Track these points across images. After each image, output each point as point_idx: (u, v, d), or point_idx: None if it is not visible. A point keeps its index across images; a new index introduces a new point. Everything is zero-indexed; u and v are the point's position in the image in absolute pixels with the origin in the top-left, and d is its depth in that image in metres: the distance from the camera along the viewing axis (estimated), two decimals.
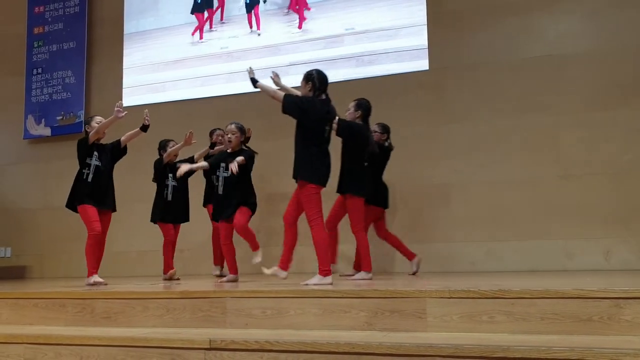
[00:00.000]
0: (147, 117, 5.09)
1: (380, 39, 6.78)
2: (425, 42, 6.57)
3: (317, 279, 4.03)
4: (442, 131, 6.37)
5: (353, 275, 4.92)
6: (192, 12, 7.82)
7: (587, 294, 2.82)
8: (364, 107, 4.84)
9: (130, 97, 7.74)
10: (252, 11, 7.52)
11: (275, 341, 2.85)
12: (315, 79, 4.25)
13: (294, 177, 4.25)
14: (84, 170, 4.98)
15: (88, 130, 5.06)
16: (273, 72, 4.62)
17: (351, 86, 6.70)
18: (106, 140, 5.17)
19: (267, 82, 4.52)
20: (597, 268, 5.61)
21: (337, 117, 4.49)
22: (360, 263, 4.82)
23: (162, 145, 5.86)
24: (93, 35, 8.27)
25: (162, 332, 3.28)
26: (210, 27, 7.70)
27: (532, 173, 6.01)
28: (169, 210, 5.76)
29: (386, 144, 5.41)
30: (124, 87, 7.94)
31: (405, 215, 6.34)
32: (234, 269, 4.99)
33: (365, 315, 3.13)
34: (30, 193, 8.20)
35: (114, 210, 5.18)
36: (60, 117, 8.15)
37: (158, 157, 5.88)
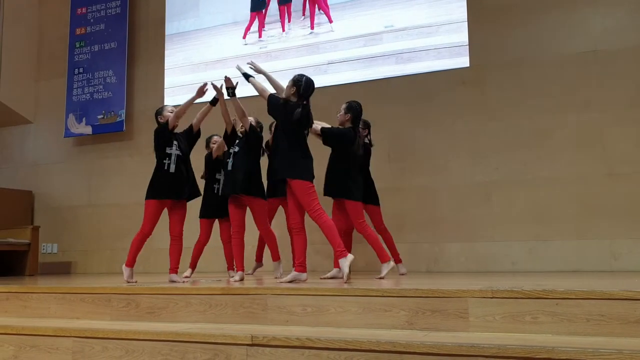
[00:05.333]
0: (206, 88, 5.04)
1: (419, 36, 6.71)
2: (466, 39, 6.49)
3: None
4: (484, 128, 6.28)
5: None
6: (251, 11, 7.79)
7: (635, 295, 2.74)
8: (354, 109, 4.85)
9: (172, 97, 7.86)
10: (285, 6, 7.53)
11: (316, 338, 2.87)
12: (302, 86, 4.37)
13: (283, 177, 4.38)
14: (164, 161, 4.82)
15: (161, 120, 4.93)
16: (252, 61, 4.86)
17: (391, 84, 6.69)
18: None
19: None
20: None
21: (320, 128, 4.71)
22: (392, 254, 5.04)
23: (208, 142, 5.70)
24: (135, 36, 8.42)
25: (205, 328, 3.33)
26: (262, 27, 7.68)
27: (576, 171, 5.87)
28: (222, 205, 5.37)
29: (367, 140, 5.34)
30: (165, 87, 8.07)
31: (446, 213, 6.28)
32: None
33: (405, 315, 3.11)
34: (74, 191, 8.41)
35: (199, 194, 5.14)
36: (101, 116, 8.32)
37: (207, 152, 5.69)
